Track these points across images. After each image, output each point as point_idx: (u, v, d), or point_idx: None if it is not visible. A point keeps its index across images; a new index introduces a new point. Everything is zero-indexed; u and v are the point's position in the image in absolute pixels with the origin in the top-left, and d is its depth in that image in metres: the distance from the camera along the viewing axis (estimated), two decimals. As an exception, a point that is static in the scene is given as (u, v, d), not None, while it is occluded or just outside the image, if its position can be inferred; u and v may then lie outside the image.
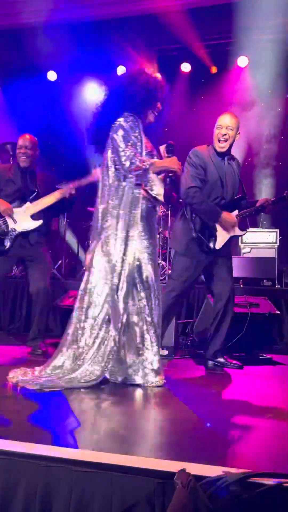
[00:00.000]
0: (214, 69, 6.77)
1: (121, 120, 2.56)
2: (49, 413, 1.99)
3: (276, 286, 4.94)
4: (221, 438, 1.72)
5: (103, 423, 1.88)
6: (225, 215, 3.08)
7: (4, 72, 7.38)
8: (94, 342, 2.46)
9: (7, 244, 3.52)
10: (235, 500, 1.29)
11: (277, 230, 5.67)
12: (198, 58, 6.73)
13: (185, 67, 6.98)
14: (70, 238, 6.84)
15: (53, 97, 7.34)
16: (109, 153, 2.59)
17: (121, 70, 7.19)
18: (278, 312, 3.86)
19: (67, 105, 7.50)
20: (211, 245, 3.07)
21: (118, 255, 2.50)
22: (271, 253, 5.47)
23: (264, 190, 6.52)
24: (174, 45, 6.55)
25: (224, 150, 3.10)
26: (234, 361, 3.22)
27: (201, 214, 3.07)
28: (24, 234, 3.54)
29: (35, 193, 3.56)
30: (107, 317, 2.49)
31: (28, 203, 3.55)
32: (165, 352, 3.50)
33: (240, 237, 5.70)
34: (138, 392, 2.43)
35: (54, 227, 6.29)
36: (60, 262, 6.38)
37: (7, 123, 7.01)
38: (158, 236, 5.73)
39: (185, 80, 7.04)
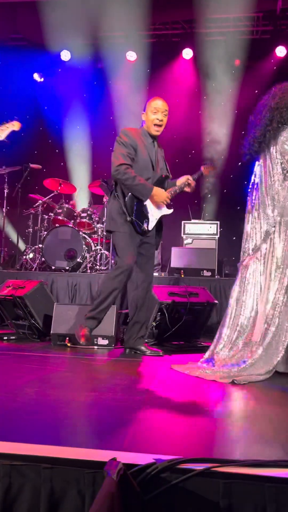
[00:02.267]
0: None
1: None
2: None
3: (216, 276, 5.06)
4: (152, 426, 1.73)
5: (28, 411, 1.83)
6: (156, 190, 3.14)
7: None
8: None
9: None
10: (165, 486, 1.30)
11: (218, 222, 5.81)
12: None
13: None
14: (10, 226, 6.62)
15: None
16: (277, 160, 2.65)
17: (64, 55, 7.06)
18: (216, 301, 3.94)
19: (7, 88, 7.30)
20: (145, 226, 3.15)
21: None
22: (212, 244, 5.59)
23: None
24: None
25: (159, 133, 3.21)
26: (154, 349, 3.30)
27: (134, 191, 3.08)
28: None
29: None
30: None
31: None
32: (105, 342, 3.49)
33: (182, 228, 5.78)
34: (75, 382, 2.39)
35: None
36: (-1, 250, 6.17)
37: None
38: (102, 225, 5.73)
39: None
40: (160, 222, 3.28)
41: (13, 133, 6.62)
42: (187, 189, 3.28)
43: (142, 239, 3.21)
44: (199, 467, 1.31)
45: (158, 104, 3.15)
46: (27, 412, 1.81)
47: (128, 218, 3.07)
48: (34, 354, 3.23)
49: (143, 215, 3.14)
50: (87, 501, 1.33)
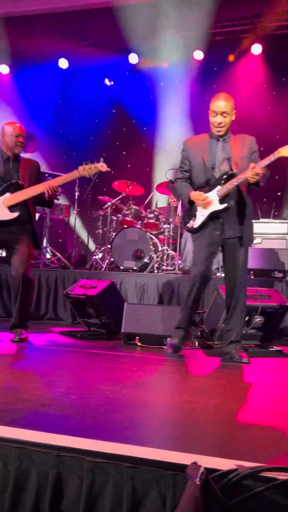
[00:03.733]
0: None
1: None
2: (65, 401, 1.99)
3: (287, 278, 4.89)
4: (232, 431, 1.71)
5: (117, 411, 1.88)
6: (193, 195, 3.17)
7: (14, 59, 7.37)
8: None
9: None
10: (248, 494, 1.28)
11: (289, 221, 5.61)
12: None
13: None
14: (80, 227, 6.84)
15: (64, 84, 7.39)
16: None
17: (133, 58, 7.19)
18: (289, 304, 3.81)
19: (78, 93, 7.54)
20: (191, 223, 3.24)
21: None
22: (282, 244, 5.41)
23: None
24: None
25: (221, 133, 3.16)
26: (245, 356, 3.13)
27: (182, 201, 3.25)
28: (2, 224, 3.55)
29: (16, 184, 3.57)
30: None
31: (7, 194, 3.55)
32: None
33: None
34: (150, 381, 2.42)
35: (65, 214, 6.30)
36: (70, 251, 6.39)
37: (18, 110, 7.05)
38: (169, 226, 5.76)
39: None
40: (239, 218, 3.16)
41: (81, 139, 6.83)
42: (251, 180, 3.03)
43: (217, 239, 3.17)
44: (283, 476, 1.28)
45: (216, 106, 3.10)
46: (106, 410, 1.85)
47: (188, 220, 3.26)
48: (106, 352, 3.31)
49: (191, 215, 3.27)
50: (168, 502, 1.34)
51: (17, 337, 3.46)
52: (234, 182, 3.07)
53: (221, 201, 3.13)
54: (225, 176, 3.12)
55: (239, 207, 3.15)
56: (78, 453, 1.42)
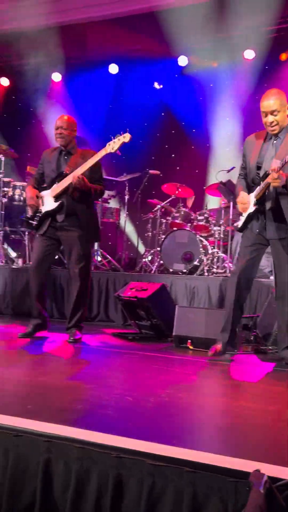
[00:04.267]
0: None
1: None
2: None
3: None
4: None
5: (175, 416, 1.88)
6: (240, 197, 3.19)
7: (66, 66, 7.56)
8: None
9: (35, 224, 3.70)
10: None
11: None
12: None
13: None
14: (130, 230, 6.90)
15: (114, 90, 7.50)
16: None
17: (182, 60, 7.20)
18: None
19: (127, 97, 7.63)
20: (236, 224, 3.29)
21: None
22: None
23: None
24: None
25: (276, 132, 3.07)
26: None
27: None
28: (52, 216, 3.63)
29: (61, 174, 3.63)
30: None
31: (55, 185, 3.63)
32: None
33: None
34: (204, 386, 2.40)
35: (115, 218, 6.39)
36: (120, 253, 6.46)
37: (71, 115, 7.22)
38: (219, 228, 5.70)
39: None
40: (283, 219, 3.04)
41: (130, 142, 6.87)
42: (274, 184, 2.92)
43: (259, 239, 3.13)
44: None
45: (264, 106, 3.02)
46: (164, 413, 1.86)
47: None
48: (158, 355, 3.32)
49: (240, 213, 3.29)
50: (229, 510, 1.32)
51: (72, 338, 3.54)
52: (263, 184, 3.03)
53: (256, 202, 3.09)
54: (262, 176, 3.06)
55: (283, 208, 3.00)
56: (138, 456, 1.42)
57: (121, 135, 3.60)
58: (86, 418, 1.72)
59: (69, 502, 1.45)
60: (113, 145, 3.57)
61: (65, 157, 3.72)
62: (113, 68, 7.61)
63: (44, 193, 3.70)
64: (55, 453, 1.49)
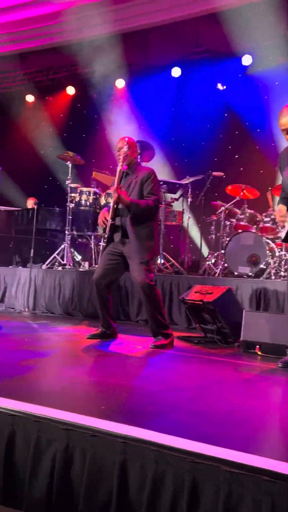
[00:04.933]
0: None
1: None
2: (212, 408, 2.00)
3: None
4: None
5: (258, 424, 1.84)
6: (276, 210, 3.16)
7: (129, 72, 7.68)
8: None
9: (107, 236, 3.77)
10: None
11: None
12: None
13: None
14: (193, 233, 6.87)
15: (177, 92, 7.53)
16: None
17: (246, 59, 7.08)
18: None
19: (190, 100, 7.62)
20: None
21: None
22: None
23: None
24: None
25: None
26: None
27: None
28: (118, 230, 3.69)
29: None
30: None
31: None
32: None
33: None
34: (276, 393, 2.34)
35: (178, 221, 6.39)
36: (183, 256, 6.46)
37: (134, 122, 7.35)
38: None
39: None
40: None
41: (192, 145, 6.82)
42: None
43: None
44: None
45: (282, 123, 2.99)
46: (237, 420, 1.83)
47: None
48: (226, 360, 3.27)
49: None
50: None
51: (152, 344, 3.50)
52: None
53: None
54: None
55: None
56: (213, 461, 1.41)
57: None
58: (159, 421, 1.74)
59: (145, 504, 1.47)
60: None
61: (125, 177, 3.77)
62: (176, 72, 7.64)
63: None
64: (130, 454, 1.51)
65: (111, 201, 3.70)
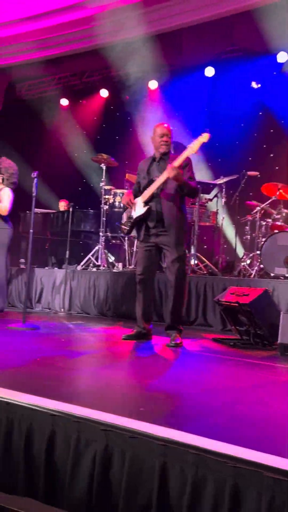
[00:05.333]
0: None
1: None
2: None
3: None
4: None
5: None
6: None
7: (162, 73, 7.69)
8: None
9: (131, 231, 3.81)
10: None
11: None
12: None
13: None
14: (228, 233, 6.79)
15: (210, 92, 7.47)
16: None
17: (281, 56, 6.95)
18: None
19: (223, 99, 7.55)
20: None
21: None
22: None
23: None
24: None
25: None
26: None
27: None
28: (145, 222, 3.69)
29: (151, 180, 3.68)
30: None
31: (146, 190, 3.71)
32: None
33: None
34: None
35: (212, 221, 6.34)
36: (217, 257, 6.39)
37: (168, 123, 7.32)
38: None
39: None
40: None
41: (226, 144, 6.78)
42: None
43: None
44: None
45: None
46: (279, 425, 1.79)
47: None
48: (263, 363, 3.21)
49: None
50: None
51: (173, 342, 3.57)
52: None
53: None
54: None
55: None
56: (256, 467, 1.39)
57: (200, 135, 3.60)
58: (198, 424, 1.72)
59: (185, 507, 1.46)
60: (193, 146, 3.59)
61: (158, 163, 3.78)
62: (209, 71, 7.58)
63: (136, 199, 3.80)
64: (170, 457, 1.51)
65: (155, 181, 3.65)
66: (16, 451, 1.80)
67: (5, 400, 1.87)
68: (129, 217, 3.88)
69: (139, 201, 3.75)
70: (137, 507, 1.54)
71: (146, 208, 3.67)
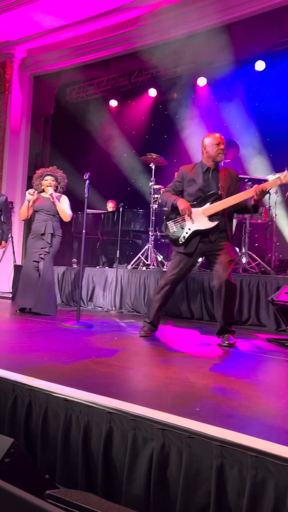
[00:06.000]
0: None
1: None
2: None
3: None
4: None
5: None
6: None
7: (211, 70, 7.61)
8: None
9: (182, 241, 3.70)
10: None
11: None
12: None
13: None
14: (281, 231, 6.62)
15: (260, 87, 7.31)
16: None
17: None
18: None
19: (274, 93, 7.36)
20: None
21: None
22: None
23: None
24: None
25: None
26: None
27: None
28: (203, 233, 3.64)
29: (216, 194, 3.63)
30: None
31: (208, 204, 3.62)
32: None
33: None
34: None
35: (264, 218, 6.20)
36: (269, 255, 6.24)
37: (217, 119, 7.25)
38: None
39: None
40: None
41: (277, 140, 6.59)
42: None
43: None
44: None
45: None
46: None
47: None
48: None
49: None
50: None
51: (226, 342, 3.53)
52: None
53: None
54: None
55: None
56: None
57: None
58: (256, 426, 1.69)
59: (245, 510, 1.44)
60: (282, 177, 3.49)
61: (211, 173, 3.72)
62: (260, 65, 7.41)
63: (193, 210, 3.70)
64: (228, 458, 1.49)
65: (222, 196, 3.63)
66: (75, 447, 1.84)
67: (63, 396, 1.93)
68: (182, 227, 3.77)
69: (200, 214, 3.66)
70: (195, 507, 1.54)
71: (214, 223, 3.63)
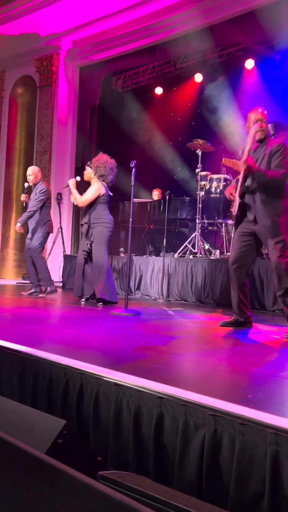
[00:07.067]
0: None
1: None
2: None
3: None
4: None
5: None
6: None
7: (259, 51, 7.37)
8: None
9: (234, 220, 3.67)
10: None
11: None
12: None
13: None
14: None
15: None
16: None
17: None
18: None
19: None
20: None
21: None
22: None
23: None
24: None
25: None
26: None
27: None
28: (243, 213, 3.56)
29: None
30: None
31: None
32: None
33: None
34: None
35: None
36: None
37: (267, 102, 7.02)
38: None
39: None
40: None
41: None
42: None
43: None
44: None
45: None
46: None
47: None
48: None
49: None
50: None
51: None
52: None
53: None
54: None
55: None
56: None
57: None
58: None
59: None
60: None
61: (254, 152, 3.59)
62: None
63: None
64: (284, 446, 1.45)
65: (240, 177, 3.56)
66: (126, 431, 1.86)
67: (114, 381, 1.94)
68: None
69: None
70: (249, 494, 1.51)
71: (237, 202, 3.56)
